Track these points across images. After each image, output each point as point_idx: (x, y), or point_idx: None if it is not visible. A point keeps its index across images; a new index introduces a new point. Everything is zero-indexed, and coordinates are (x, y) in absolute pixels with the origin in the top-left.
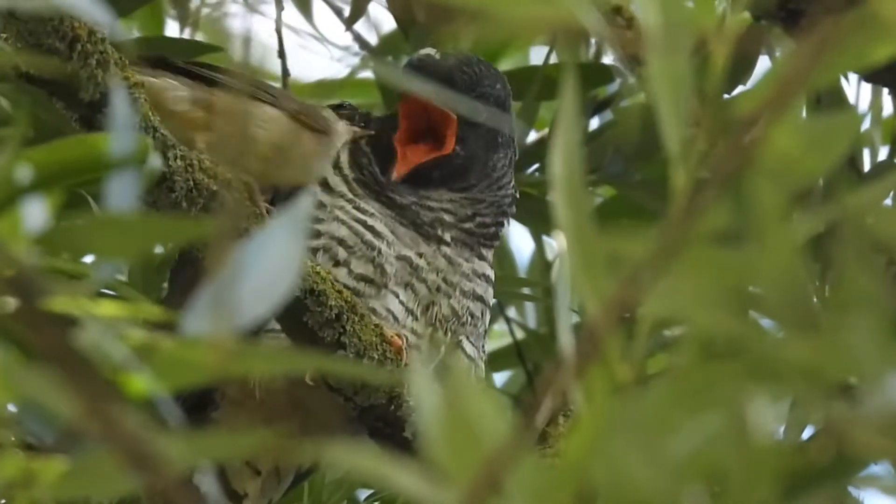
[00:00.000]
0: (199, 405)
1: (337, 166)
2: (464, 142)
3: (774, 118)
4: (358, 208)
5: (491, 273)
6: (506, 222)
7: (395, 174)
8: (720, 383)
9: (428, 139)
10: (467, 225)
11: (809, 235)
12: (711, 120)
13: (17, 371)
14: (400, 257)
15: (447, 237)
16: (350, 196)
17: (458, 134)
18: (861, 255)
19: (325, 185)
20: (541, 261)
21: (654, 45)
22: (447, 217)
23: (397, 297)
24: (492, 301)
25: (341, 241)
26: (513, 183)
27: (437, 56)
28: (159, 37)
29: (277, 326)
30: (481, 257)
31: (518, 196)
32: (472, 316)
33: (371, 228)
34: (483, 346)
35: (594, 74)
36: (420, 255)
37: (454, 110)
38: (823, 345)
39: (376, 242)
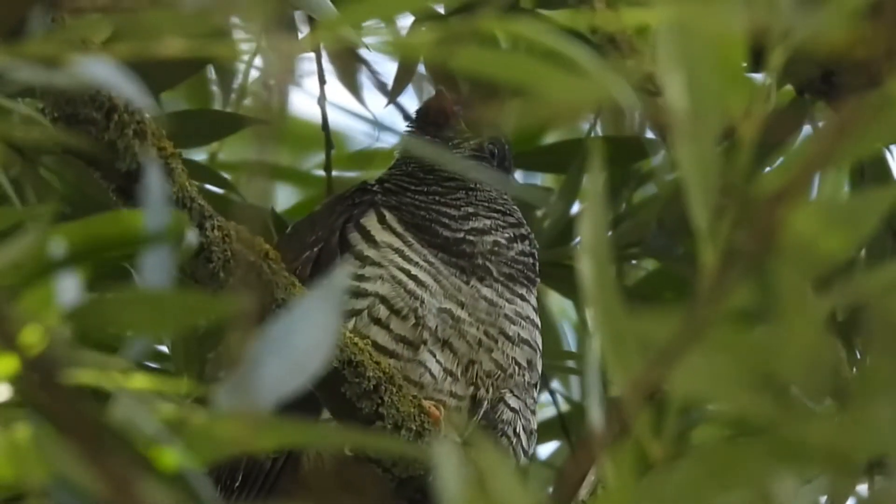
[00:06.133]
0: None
1: (383, 222)
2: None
3: (795, 199)
4: (404, 257)
5: (535, 317)
6: (536, 266)
7: None
8: (746, 462)
9: None
10: (511, 252)
11: (847, 310)
12: (737, 199)
13: (49, 445)
14: (441, 310)
15: (494, 270)
16: (398, 245)
17: None
18: (886, 335)
19: (371, 240)
20: (584, 333)
21: (682, 128)
22: (498, 237)
23: (434, 356)
24: (541, 345)
25: (384, 300)
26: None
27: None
28: (204, 109)
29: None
30: (523, 298)
31: (562, 267)
32: (519, 366)
33: (415, 278)
34: (534, 396)
35: (635, 148)
36: (462, 306)
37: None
38: (849, 423)
39: (419, 292)
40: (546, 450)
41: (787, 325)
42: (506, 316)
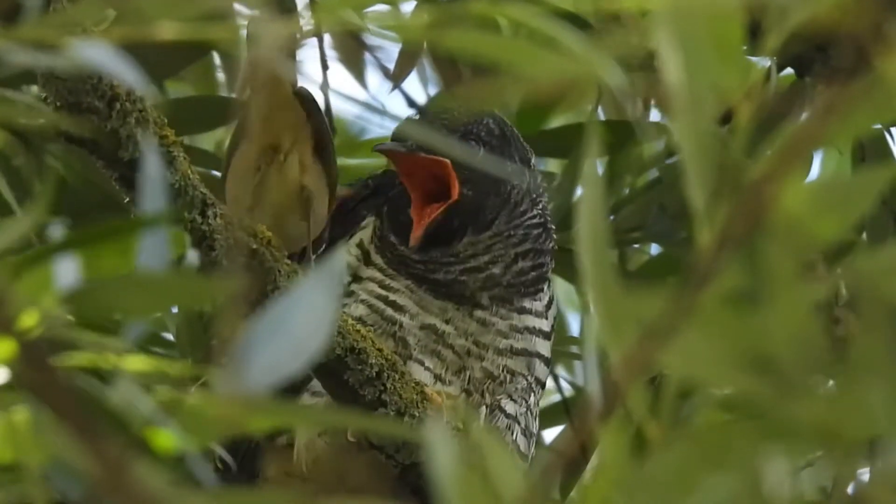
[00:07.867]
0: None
1: (362, 248)
2: (469, 181)
3: (784, 179)
4: (383, 286)
5: (539, 322)
6: (547, 262)
7: (412, 240)
8: (740, 443)
9: (441, 198)
10: (507, 277)
11: (849, 292)
12: (732, 180)
13: (47, 429)
14: (424, 326)
15: (484, 300)
16: (379, 277)
17: (460, 176)
18: (877, 316)
19: (354, 275)
20: (588, 318)
21: (680, 106)
22: (494, 269)
23: (422, 364)
24: (545, 351)
25: (360, 320)
26: (540, 210)
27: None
28: (208, 96)
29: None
30: (522, 311)
31: (565, 252)
32: (512, 374)
33: (393, 304)
34: (534, 401)
35: (637, 132)
36: (447, 321)
37: (444, 155)
38: (842, 403)
39: (397, 317)
40: (550, 434)
41: (778, 306)
42: (498, 331)
